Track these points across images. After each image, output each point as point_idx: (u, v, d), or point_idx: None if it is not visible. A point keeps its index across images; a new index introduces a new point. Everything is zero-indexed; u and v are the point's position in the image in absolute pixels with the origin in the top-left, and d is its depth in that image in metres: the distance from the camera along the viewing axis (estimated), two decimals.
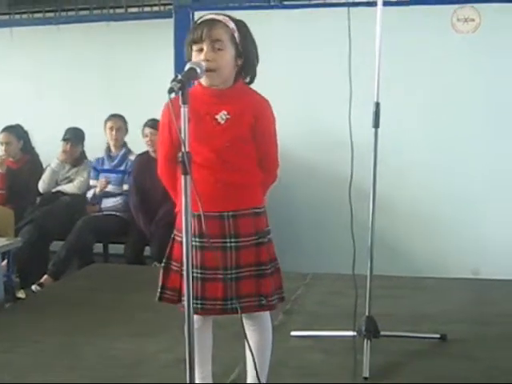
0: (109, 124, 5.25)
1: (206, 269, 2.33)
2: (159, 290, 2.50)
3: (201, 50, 2.32)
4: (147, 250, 4.97)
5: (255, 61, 2.45)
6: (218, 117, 2.37)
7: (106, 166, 5.23)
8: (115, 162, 5.23)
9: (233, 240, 2.38)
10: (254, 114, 2.38)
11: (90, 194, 5.23)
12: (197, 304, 2.38)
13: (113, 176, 5.21)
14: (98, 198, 5.21)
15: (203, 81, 2.35)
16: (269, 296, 2.40)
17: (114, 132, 5.22)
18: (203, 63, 2.28)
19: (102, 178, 5.17)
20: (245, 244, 2.39)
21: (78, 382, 2.65)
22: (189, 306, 2.19)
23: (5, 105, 5.98)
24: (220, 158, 2.36)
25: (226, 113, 2.37)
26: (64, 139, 5.33)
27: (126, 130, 5.29)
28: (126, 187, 5.18)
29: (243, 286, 2.39)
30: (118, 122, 5.25)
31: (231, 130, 2.36)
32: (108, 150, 5.29)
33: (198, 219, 2.19)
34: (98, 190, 5.17)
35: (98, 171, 5.24)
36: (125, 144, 5.30)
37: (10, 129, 5.36)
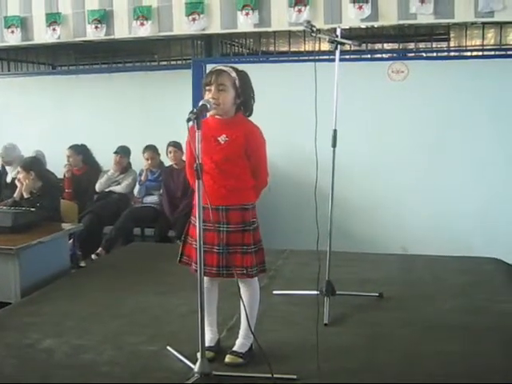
0: (145, 155, 5.18)
1: (206, 244, 2.29)
2: (179, 255, 2.50)
3: (210, 90, 2.31)
4: (171, 233, 4.91)
5: (252, 100, 2.44)
6: (219, 138, 2.35)
7: (150, 178, 5.18)
8: (155, 175, 5.18)
9: (225, 226, 2.36)
10: (246, 138, 2.35)
11: (136, 190, 5.18)
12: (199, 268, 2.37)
13: (153, 184, 5.16)
14: (142, 192, 5.15)
15: (211, 112, 2.33)
16: (249, 268, 2.37)
17: (149, 161, 5.15)
18: (211, 100, 2.28)
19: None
20: (233, 229, 2.37)
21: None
22: (200, 271, 2.18)
23: (72, 129, 5.89)
24: (218, 168, 2.34)
25: (225, 136, 2.35)
26: (115, 152, 5.27)
27: (159, 155, 5.18)
28: (161, 191, 5.12)
29: (231, 259, 2.36)
30: (151, 153, 5.16)
31: (228, 148, 2.34)
32: (149, 169, 5.21)
33: (204, 210, 2.17)
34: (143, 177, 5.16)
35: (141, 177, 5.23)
36: (161, 164, 5.21)
37: (72, 147, 5.31)
